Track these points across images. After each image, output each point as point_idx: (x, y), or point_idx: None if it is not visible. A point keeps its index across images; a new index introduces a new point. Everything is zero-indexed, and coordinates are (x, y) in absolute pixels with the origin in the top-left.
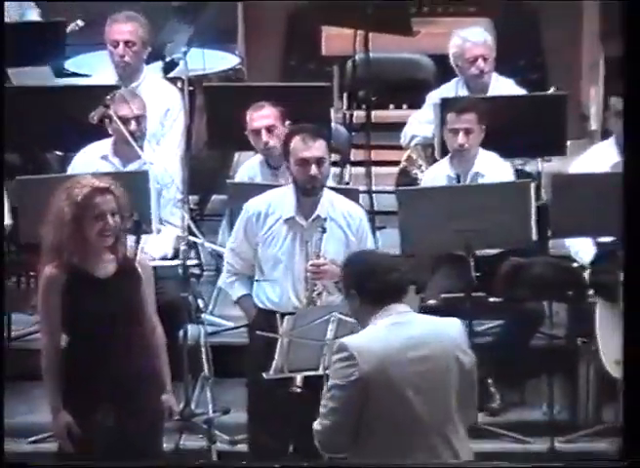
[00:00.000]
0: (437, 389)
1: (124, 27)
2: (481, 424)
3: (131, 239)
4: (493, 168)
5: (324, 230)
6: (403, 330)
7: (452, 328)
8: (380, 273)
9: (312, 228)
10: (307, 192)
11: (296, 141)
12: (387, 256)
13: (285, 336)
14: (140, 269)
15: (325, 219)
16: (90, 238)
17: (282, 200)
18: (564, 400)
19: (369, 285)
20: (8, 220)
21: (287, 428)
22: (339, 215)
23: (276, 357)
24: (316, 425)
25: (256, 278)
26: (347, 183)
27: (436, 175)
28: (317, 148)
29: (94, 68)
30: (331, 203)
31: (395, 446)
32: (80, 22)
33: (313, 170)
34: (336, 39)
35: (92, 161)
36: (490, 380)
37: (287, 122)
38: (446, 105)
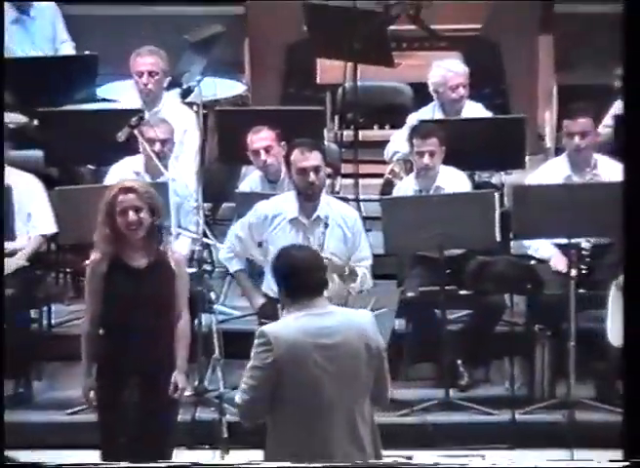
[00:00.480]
0: (347, 372)
1: (148, 60)
2: (452, 399)
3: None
4: (451, 181)
5: (326, 226)
6: (317, 320)
7: (362, 318)
8: (300, 273)
9: (314, 226)
10: (308, 197)
11: (295, 154)
12: (312, 255)
13: None
14: (173, 265)
15: (326, 217)
16: (121, 231)
17: (286, 203)
18: (523, 377)
19: (290, 282)
20: (54, 227)
21: None
22: (336, 215)
23: None
24: (237, 399)
25: (265, 270)
26: (338, 193)
27: (405, 189)
28: (314, 158)
29: (120, 94)
30: (328, 205)
31: (305, 418)
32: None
33: (311, 177)
34: (328, 70)
35: (126, 175)
36: (459, 361)
37: (282, 143)
38: (414, 131)
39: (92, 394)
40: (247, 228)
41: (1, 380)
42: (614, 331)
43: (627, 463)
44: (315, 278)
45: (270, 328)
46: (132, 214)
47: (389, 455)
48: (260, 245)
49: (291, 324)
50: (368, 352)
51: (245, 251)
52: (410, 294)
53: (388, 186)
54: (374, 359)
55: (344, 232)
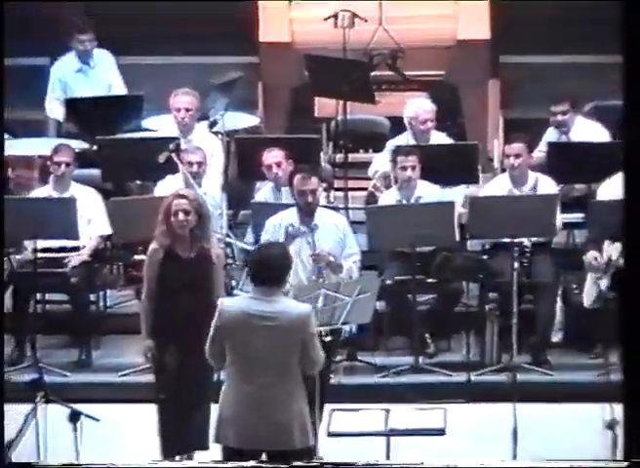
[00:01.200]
0: (277, 347)
1: (184, 99)
2: (421, 364)
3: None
4: (428, 192)
5: (312, 230)
6: (260, 305)
7: (300, 310)
8: (258, 266)
9: (312, 233)
10: (306, 213)
11: (297, 178)
12: (274, 254)
13: None
14: (214, 258)
15: (316, 225)
16: (174, 228)
17: (290, 216)
18: (476, 347)
19: (251, 270)
20: (109, 229)
21: None
22: (329, 223)
23: None
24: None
25: None
26: (332, 202)
27: (388, 199)
28: (312, 183)
29: (159, 125)
30: (322, 215)
31: (241, 378)
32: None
33: (309, 198)
34: (324, 106)
35: (170, 190)
36: (427, 334)
37: (289, 160)
38: (396, 152)
39: (150, 353)
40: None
41: (1, 378)
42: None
43: (627, 463)
44: (267, 272)
45: (226, 301)
46: (181, 216)
47: (371, 409)
48: None
49: (240, 302)
50: (299, 336)
51: None
52: (388, 282)
53: (371, 197)
54: (304, 341)
55: (337, 234)
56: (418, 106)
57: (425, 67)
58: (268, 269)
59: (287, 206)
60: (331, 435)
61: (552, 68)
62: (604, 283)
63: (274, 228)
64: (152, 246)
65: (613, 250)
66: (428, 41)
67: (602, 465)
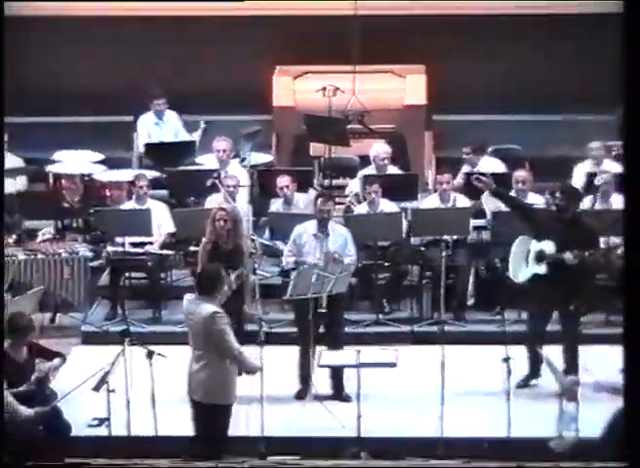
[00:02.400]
0: (197, 334)
1: (223, 143)
2: (380, 319)
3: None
4: (388, 207)
5: (327, 236)
6: (192, 305)
7: (205, 312)
8: (196, 281)
9: (325, 238)
10: (322, 224)
11: (319, 201)
12: (210, 273)
13: (294, 279)
14: (244, 249)
15: (327, 234)
16: (217, 230)
17: (311, 226)
18: (416, 308)
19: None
20: (173, 229)
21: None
22: (336, 232)
23: (290, 287)
24: None
25: (302, 260)
26: None
27: (361, 211)
28: (328, 205)
29: (206, 161)
30: (332, 226)
31: (190, 345)
32: (203, 124)
33: (325, 215)
34: (316, 148)
35: (214, 204)
36: (384, 300)
37: (294, 184)
38: (365, 181)
39: None
40: (292, 243)
41: (1, 383)
42: (513, 270)
43: (627, 463)
44: (200, 284)
45: (185, 299)
46: (222, 222)
47: (347, 349)
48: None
49: (188, 302)
50: (208, 328)
51: (293, 256)
52: (359, 265)
53: (348, 209)
54: (213, 333)
55: (341, 240)
56: (378, 149)
57: (383, 122)
58: (201, 282)
59: (293, 215)
60: (320, 366)
61: (467, 124)
62: (542, 268)
63: (299, 231)
64: (203, 241)
65: (545, 245)
66: (385, 105)
67: (602, 465)
